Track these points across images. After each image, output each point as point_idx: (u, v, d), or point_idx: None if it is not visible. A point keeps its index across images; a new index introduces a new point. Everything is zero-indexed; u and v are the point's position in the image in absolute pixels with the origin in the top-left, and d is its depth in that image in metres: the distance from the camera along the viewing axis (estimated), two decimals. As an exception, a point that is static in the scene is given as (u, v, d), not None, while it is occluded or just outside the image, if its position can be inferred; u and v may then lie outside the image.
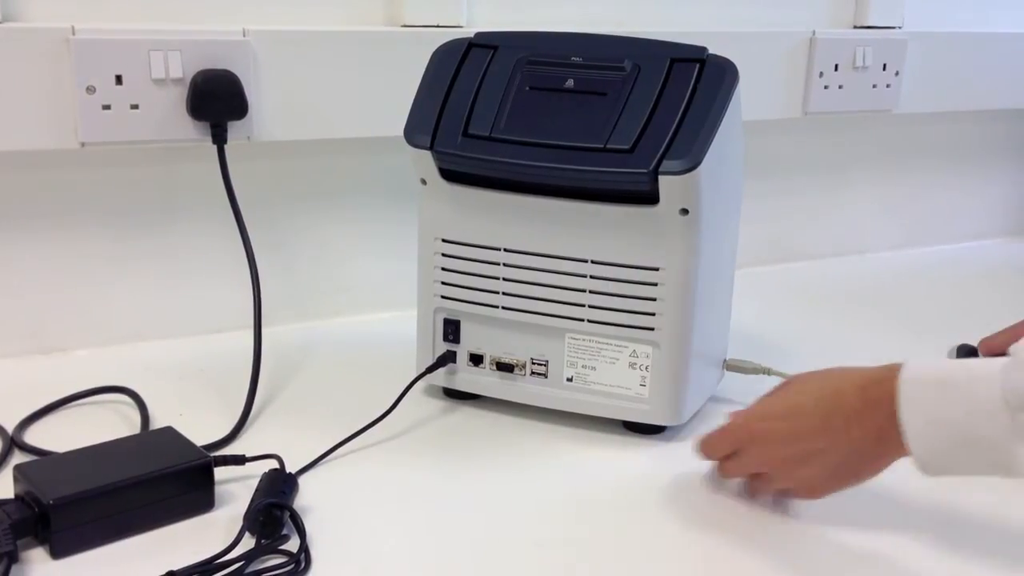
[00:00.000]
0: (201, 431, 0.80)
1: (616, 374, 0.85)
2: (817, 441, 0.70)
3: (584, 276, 0.84)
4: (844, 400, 0.68)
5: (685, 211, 0.79)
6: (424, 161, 0.84)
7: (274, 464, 0.77)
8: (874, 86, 1.31)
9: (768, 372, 0.93)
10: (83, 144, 0.94)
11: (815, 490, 0.73)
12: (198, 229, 1.04)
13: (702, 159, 0.77)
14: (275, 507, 0.70)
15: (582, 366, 0.86)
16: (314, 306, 1.11)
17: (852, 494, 0.72)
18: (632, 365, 0.84)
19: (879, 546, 0.72)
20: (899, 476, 0.68)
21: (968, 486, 0.69)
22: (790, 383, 0.75)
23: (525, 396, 0.88)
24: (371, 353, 1.03)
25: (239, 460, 0.77)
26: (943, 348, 0.89)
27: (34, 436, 0.84)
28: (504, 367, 0.88)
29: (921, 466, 0.64)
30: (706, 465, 0.82)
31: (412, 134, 0.83)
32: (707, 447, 0.77)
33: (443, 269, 0.88)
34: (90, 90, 0.92)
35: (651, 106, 0.79)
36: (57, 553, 0.67)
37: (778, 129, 1.30)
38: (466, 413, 0.91)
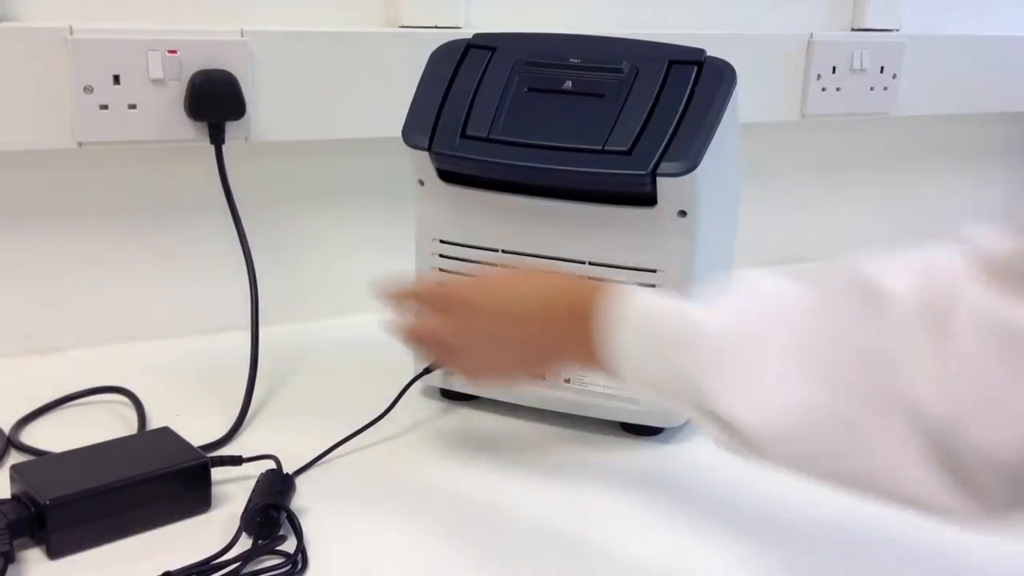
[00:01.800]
0: (198, 431, 0.80)
1: (613, 375, 0.85)
2: (519, 329, 0.71)
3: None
4: (554, 303, 0.70)
5: (683, 213, 0.79)
6: (422, 162, 0.84)
7: (271, 465, 0.77)
8: (872, 89, 1.31)
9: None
10: (80, 144, 0.94)
11: (494, 370, 0.75)
12: (195, 229, 1.04)
13: (700, 161, 0.77)
14: (272, 508, 0.70)
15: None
16: (311, 306, 1.11)
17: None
18: (629, 367, 0.84)
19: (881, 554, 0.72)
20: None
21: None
22: (516, 271, 0.77)
23: (522, 397, 0.88)
24: (368, 354, 1.02)
25: (236, 461, 0.77)
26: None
27: (31, 436, 0.83)
28: (501, 368, 0.88)
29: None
30: (706, 469, 0.82)
31: (410, 135, 0.83)
32: (398, 288, 0.77)
33: (441, 270, 0.88)
34: (88, 90, 0.92)
35: (649, 108, 0.79)
36: (54, 553, 0.67)
37: (776, 131, 1.30)
38: (463, 414, 0.91)
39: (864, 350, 0.52)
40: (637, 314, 0.64)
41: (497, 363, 0.74)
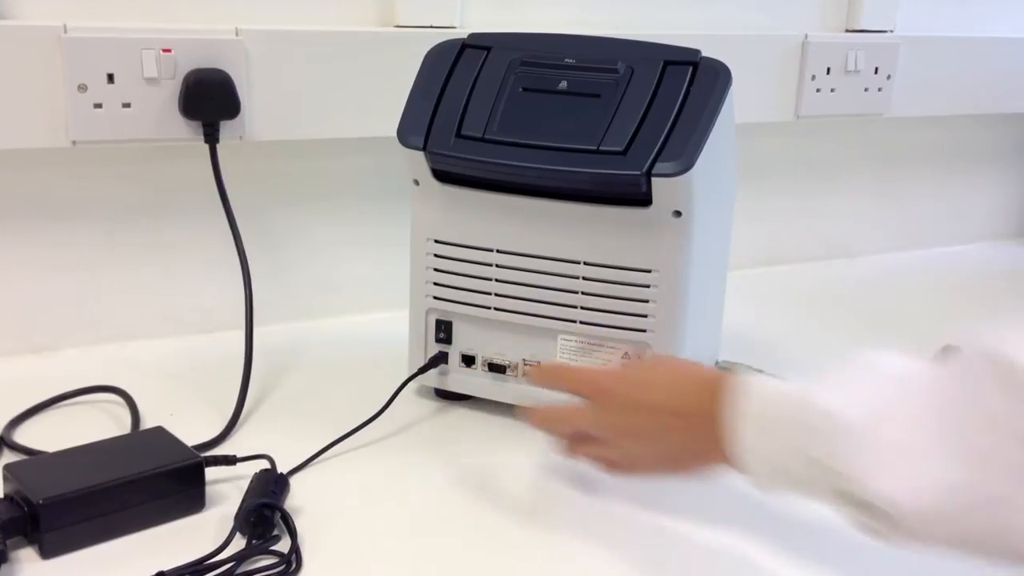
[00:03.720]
0: (192, 431, 0.80)
1: (608, 376, 0.85)
2: (653, 420, 0.69)
3: (577, 277, 0.84)
4: (686, 397, 0.68)
5: (678, 213, 0.79)
6: (417, 162, 0.84)
7: (265, 464, 0.77)
8: (866, 90, 1.31)
9: (760, 374, 0.93)
10: (74, 143, 0.93)
11: (635, 467, 0.73)
12: (189, 229, 1.04)
13: (695, 161, 0.77)
14: (266, 507, 0.70)
15: (574, 368, 0.86)
16: (306, 306, 1.11)
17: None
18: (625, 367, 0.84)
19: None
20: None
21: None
22: (655, 361, 0.77)
23: (517, 397, 0.88)
24: (363, 354, 1.02)
25: (230, 460, 0.76)
26: (932, 351, 0.89)
27: (24, 435, 0.83)
28: (496, 368, 0.88)
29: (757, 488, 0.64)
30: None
31: (405, 135, 0.83)
32: (551, 382, 0.76)
33: (435, 270, 0.88)
34: (82, 88, 0.92)
35: (644, 108, 0.79)
36: (47, 553, 0.67)
37: (770, 132, 1.30)
38: (458, 414, 0.91)
39: (1011, 427, 0.51)
40: (761, 406, 0.63)
41: (639, 454, 0.72)
